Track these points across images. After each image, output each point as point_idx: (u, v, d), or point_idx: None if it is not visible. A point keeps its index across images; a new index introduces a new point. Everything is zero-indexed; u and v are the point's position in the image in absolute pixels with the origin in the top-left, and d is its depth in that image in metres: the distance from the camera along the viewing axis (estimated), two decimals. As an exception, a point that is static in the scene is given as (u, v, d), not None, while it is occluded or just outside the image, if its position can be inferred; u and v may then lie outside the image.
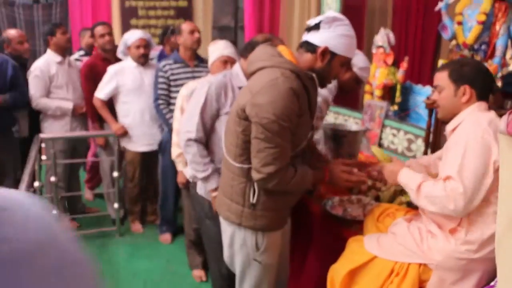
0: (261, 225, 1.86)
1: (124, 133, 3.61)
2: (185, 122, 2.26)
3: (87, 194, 4.53)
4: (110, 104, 3.63)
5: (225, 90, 2.21)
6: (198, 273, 3.16)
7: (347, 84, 2.70)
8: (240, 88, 2.18)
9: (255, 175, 1.75)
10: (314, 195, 2.54)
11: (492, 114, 1.70)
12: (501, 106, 2.49)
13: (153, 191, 3.90)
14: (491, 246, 1.56)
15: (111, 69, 3.54)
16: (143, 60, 3.53)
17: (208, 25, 5.92)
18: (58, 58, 3.68)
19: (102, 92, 3.54)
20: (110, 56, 3.77)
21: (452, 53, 2.94)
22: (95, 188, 4.59)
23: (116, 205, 3.75)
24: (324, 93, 2.63)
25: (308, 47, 1.76)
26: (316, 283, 2.23)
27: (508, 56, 2.78)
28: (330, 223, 2.32)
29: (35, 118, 3.73)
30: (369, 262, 1.85)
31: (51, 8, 7.43)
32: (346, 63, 1.82)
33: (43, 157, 3.57)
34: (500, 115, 1.45)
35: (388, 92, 3.33)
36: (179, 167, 2.87)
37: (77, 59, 4.18)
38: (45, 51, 3.78)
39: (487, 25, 2.68)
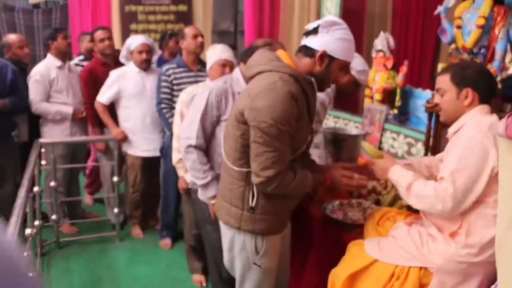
0: (260, 229, 1.86)
1: (124, 138, 3.61)
2: (185, 129, 2.25)
3: (86, 199, 4.53)
4: (111, 108, 3.63)
5: (225, 97, 2.20)
6: (198, 278, 3.15)
7: (345, 88, 2.71)
8: None
9: (255, 179, 1.75)
10: (315, 200, 2.54)
11: (494, 117, 1.69)
12: (501, 109, 2.49)
13: (154, 196, 3.89)
14: (491, 249, 1.55)
15: (114, 73, 3.55)
16: (145, 66, 3.53)
17: (208, 29, 5.93)
18: (58, 62, 3.69)
19: (104, 96, 3.54)
20: (110, 61, 3.77)
21: (452, 57, 2.94)
22: (95, 193, 4.59)
23: (116, 210, 3.75)
24: (322, 96, 2.63)
25: (307, 51, 1.77)
26: (317, 287, 2.23)
27: (507, 60, 2.78)
28: (331, 227, 2.31)
29: (35, 122, 3.73)
30: (369, 266, 1.84)
31: (51, 13, 7.46)
32: (345, 67, 1.82)
33: (43, 162, 3.57)
34: (500, 118, 1.45)
35: (388, 96, 3.34)
36: (180, 172, 2.86)
37: (77, 64, 4.19)
38: (45, 56, 3.79)
39: (486, 29, 2.69)
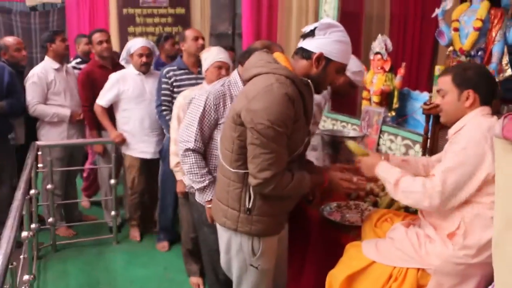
0: (257, 230, 1.85)
1: (123, 141, 3.60)
2: (183, 132, 2.24)
3: (83, 201, 4.51)
4: (109, 111, 3.62)
5: (223, 100, 2.20)
6: (196, 280, 3.14)
7: (341, 89, 2.70)
8: None
9: (252, 181, 1.75)
10: (313, 203, 2.53)
11: (494, 120, 1.69)
12: (498, 111, 2.49)
13: (152, 198, 3.88)
14: (489, 251, 1.55)
15: (113, 76, 3.54)
16: (145, 69, 3.53)
17: (206, 32, 5.93)
18: (56, 65, 3.68)
19: (103, 99, 3.54)
20: (108, 63, 3.77)
21: (449, 59, 2.95)
22: (92, 196, 4.58)
23: (113, 213, 3.74)
24: (318, 98, 2.63)
25: (304, 53, 1.77)
26: (314, 289, 2.23)
27: (504, 62, 2.79)
28: (328, 229, 2.31)
29: (32, 125, 3.72)
30: (367, 267, 1.84)
31: (48, 16, 7.47)
32: (342, 69, 1.82)
33: (40, 165, 3.56)
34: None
35: (385, 98, 3.33)
36: (178, 176, 2.86)
37: (74, 67, 4.18)
38: (42, 59, 3.79)
39: (483, 31, 2.70)
